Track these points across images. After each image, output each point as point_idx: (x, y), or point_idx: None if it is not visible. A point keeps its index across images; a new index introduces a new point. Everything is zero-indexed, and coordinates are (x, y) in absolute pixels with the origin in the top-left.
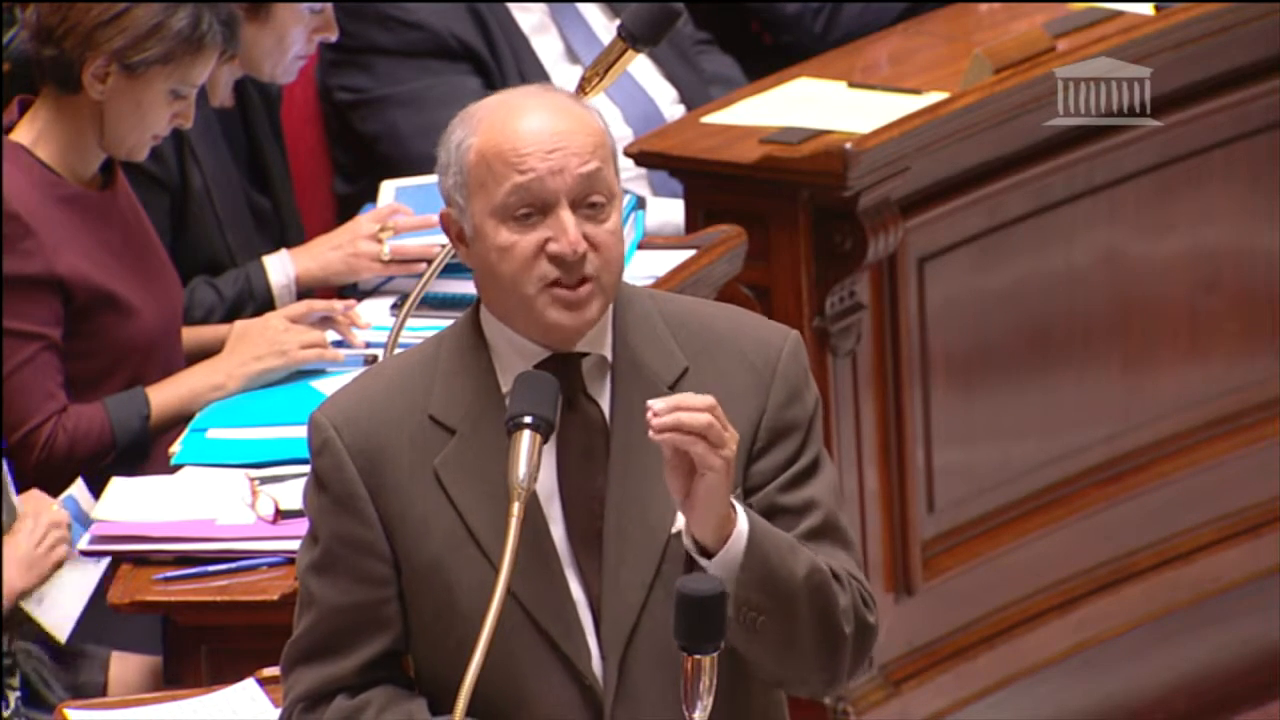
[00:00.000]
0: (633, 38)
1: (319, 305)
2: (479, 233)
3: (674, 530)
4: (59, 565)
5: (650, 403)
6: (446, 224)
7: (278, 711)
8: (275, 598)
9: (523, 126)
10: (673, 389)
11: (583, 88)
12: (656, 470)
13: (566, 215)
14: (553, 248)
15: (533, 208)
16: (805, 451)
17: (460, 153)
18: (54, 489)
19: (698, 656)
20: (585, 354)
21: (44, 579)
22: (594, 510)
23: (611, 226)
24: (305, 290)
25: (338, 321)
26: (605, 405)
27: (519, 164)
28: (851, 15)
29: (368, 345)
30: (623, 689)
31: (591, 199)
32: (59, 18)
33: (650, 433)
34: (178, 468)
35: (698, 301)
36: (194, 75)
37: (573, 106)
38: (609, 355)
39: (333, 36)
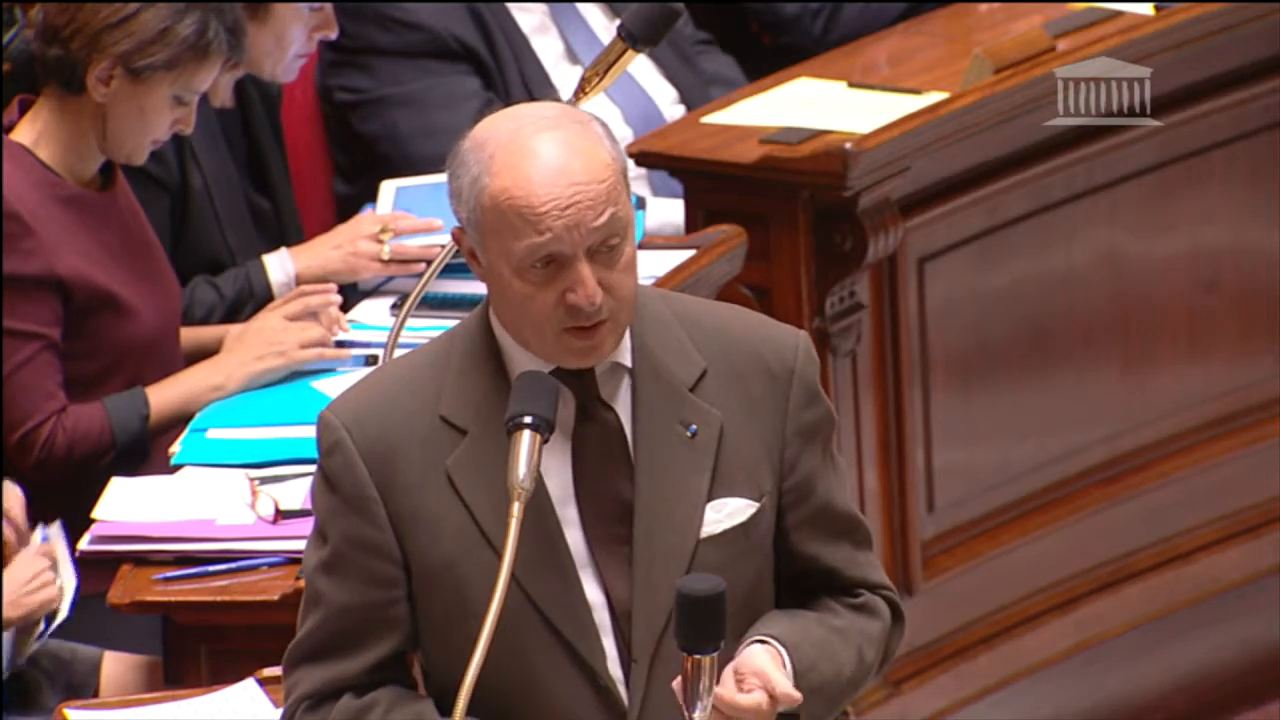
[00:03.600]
0: (633, 38)
1: (314, 301)
2: (494, 271)
3: (702, 535)
4: (45, 607)
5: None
6: (459, 241)
7: (278, 712)
8: (275, 598)
9: (536, 177)
10: (692, 391)
11: (583, 88)
12: (681, 473)
13: (584, 268)
14: (571, 299)
15: (550, 259)
16: (830, 451)
17: (474, 190)
18: (53, 489)
19: (698, 656)
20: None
21: (26, 618)
22: (614, 514)
23: (625, 262)
24: None
25: (320, 316)
26: (622, 410)
27: (536, 223)
28: (851, 16)
29: (368, 345)
30: (650, 689)
31: (608, 243)
32: (66, 18)
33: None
34: (178, 468)
35: (706, 302)
36: (198, 82)
37: (583, 142)
38: (627, 361)
39: (332, 34)
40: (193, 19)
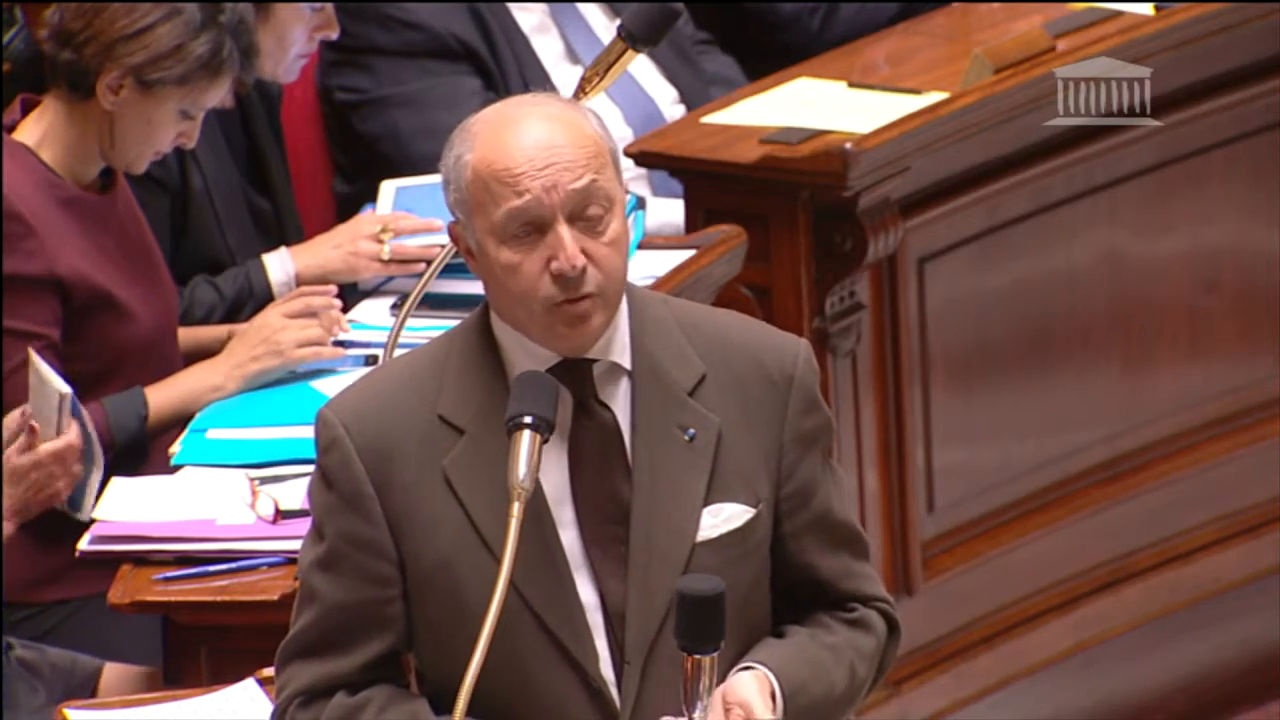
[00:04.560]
0: (633, 38)
1: (316, 302)
2: (482, 250)
3: (698, 539)
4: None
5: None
6: (455, 237)
7: None
8: (275, 598)
9: (514, 143)
10: (691, 395)
11: (583, 88)
12: (678, 476)
13: (564, 231)
14: (554, 266)
15: (531, 226)
16: (829, 460)
17: (458, 170)
18: None
19: (698, 656)
20: (595, 360)
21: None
22: (610, 514)
23: (611, 236)
24: None
25: (320, 316)
26: (620, 410)
27: (514, 184)
28: (848, 15)
29: (368, 345)
30: (643, 691)
31: (588, 211)
32: (82, 24)
33: None
34: (178, 468)
35: (707, 308)
36: (207, 99)
37: (567, 115)
38: (625, 362)
39: (334, 34)
40: (208, 37)
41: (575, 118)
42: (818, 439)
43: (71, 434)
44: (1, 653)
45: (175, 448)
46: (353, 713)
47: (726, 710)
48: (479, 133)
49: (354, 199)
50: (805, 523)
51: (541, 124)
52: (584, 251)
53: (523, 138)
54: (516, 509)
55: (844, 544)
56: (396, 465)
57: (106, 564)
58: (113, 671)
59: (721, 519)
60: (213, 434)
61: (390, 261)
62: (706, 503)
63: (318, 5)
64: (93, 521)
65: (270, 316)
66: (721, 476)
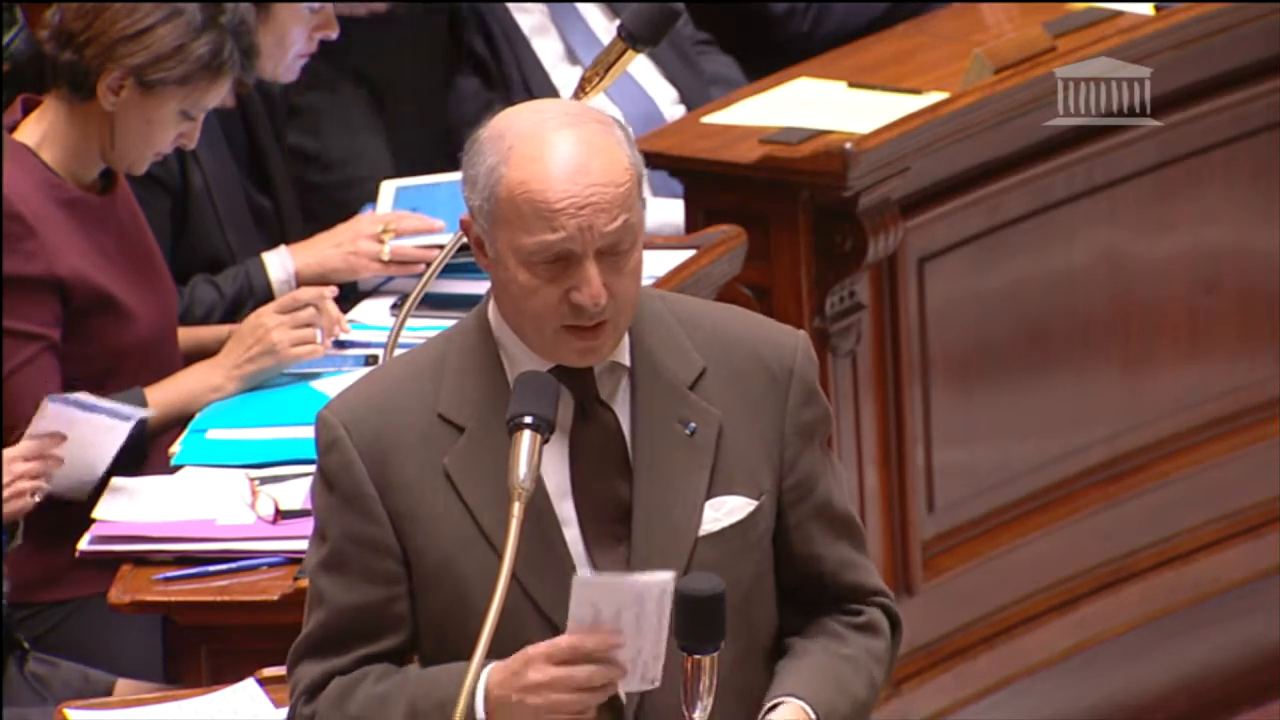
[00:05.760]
0: (632, 38)
1: (307, 295)
2: (501, 260)
3: (700, 533)
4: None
5: None
6: (467, 229)
7: (278, 712)
8: (275, 598)
9: (553, 172)
10: (692, 389)
11: (583, 88)
12: (680, 471)
13: (591, 268)
14: (575, 297)
15: (558, 257)
16: (827, 450)
17: (490, 180)
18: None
19: (698, 656)
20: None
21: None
22: (611, 514)
23: (632, 267)
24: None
25: (320, 312)
26: (621, 409)
27: (550, 220)
28: (839, 14)
29: (368, 345)
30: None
31: (618, 249)
32: (83, 24)
33: None
34: (178, 468)
35: (705, 302)
36: (207, 99)
37: (603, 142)
38: (625, 361)
39: (333, 34)
40: (209, 38)
41: (611, 146)
42: (817, 430)
43: (23, 445)
44: (6, 651)
45: (175, 448)
46: (349, 687)
47: None
48: (514, 146)
49: None
50: (807, 514)
51: (580, 152)
52: (605, 285)
53: (562, 167)
54: (517, 509)
55: (844, 534)
56: (397, 464)
57: (106, 564)
58: (125, 688)
59: (723, 512)
60: (213, 434)
61: (390, 262)
62: (708, 496)
63: (317, 5)
64: (93, 521)
65: (264, 316)
66: (723, 470)
